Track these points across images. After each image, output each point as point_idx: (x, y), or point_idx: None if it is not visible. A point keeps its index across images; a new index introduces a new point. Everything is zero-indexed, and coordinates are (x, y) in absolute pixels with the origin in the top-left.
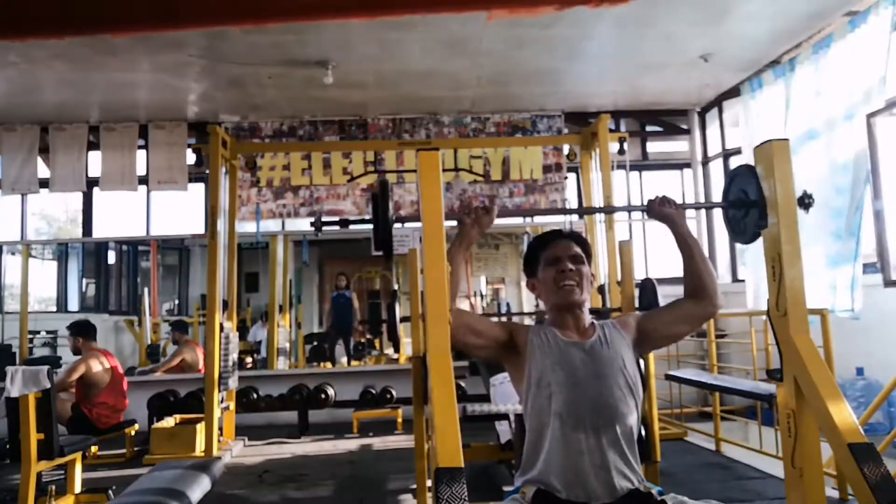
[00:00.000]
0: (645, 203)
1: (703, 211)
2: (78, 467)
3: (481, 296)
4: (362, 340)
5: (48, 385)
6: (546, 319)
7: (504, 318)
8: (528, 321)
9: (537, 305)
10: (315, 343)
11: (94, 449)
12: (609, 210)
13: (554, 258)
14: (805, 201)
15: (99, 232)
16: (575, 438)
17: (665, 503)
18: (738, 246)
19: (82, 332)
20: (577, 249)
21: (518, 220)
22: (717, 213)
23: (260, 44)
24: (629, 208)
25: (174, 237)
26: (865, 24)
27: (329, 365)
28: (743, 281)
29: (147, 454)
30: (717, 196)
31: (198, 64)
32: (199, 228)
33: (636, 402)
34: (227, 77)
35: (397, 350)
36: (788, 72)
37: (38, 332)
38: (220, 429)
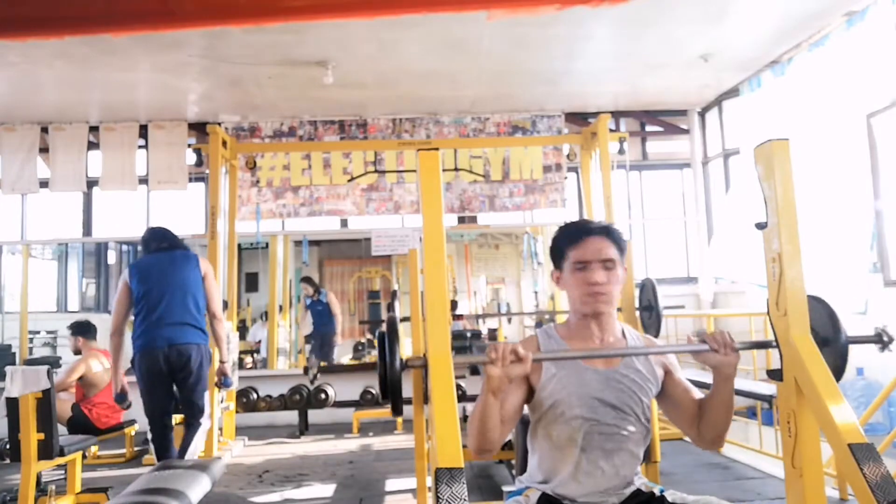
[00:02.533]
0: (701, 340)
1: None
2: (78, 467)
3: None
4: (362, 340)
5: (48, 385)
6: (567, 323)
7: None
8: (528, 321)
9: (537, 305)
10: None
11: (94, 449)
12: (663, 351)
13: (584, 262)
14: (883, 339)
15: (99, 232)
16: (582, 455)
17: (665, 499)
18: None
19: (83, 332)
20: (612, 251)
21: (518, 220)
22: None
23: (260, 44)
24: (688, 349)
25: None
26: (864, 24)
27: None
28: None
29: (147, 454)
30: (718, 194)
31: (198, 64)
32: (199, 228)
33: (646, 426)
34: (227, 77)
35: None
36: (787, 71)
37: (38, 332)
38: (220, 429)
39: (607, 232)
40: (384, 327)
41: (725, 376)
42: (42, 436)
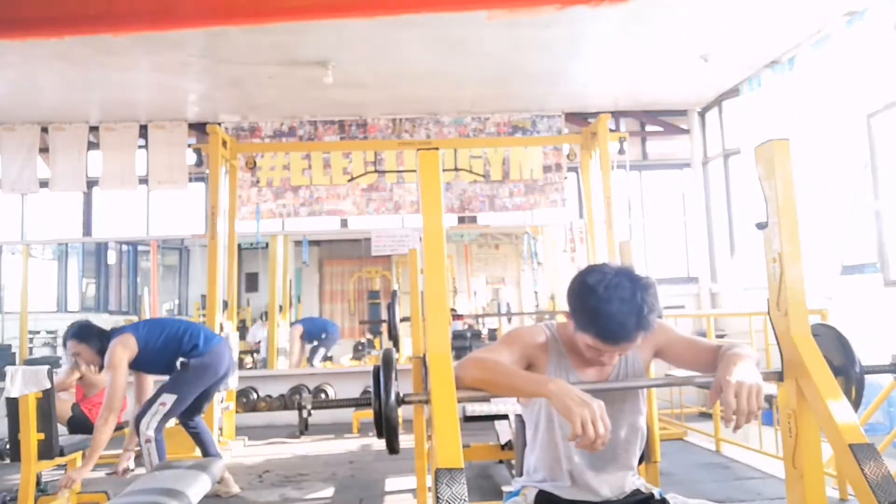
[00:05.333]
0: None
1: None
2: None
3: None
4: (362, 340)
5: (48, 385)
6: (567, 330)
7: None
8: (528, 321)
9: (537, 305)
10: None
11: None
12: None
13: (598, 350)
14: None
15: (99, 232)
16: (575, 460)
17: (666, 502)
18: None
19: None
20: (635, 344)
21: (518, 220)
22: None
23: (260, 44)
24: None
25: (174, 237)
26: (864, 24)
27: (330, 364)
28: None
29: None
30: (718, 197)
31: (198, 64)
32: (199, 228)
33: (639, 429)
34: (227, 77)
35: (397, 350)
36: (788, 71)
37: (38, 332)
38: (220, 429)
39: (639, 332)
40: (381, 360)
41: None
42: (42, 436)
